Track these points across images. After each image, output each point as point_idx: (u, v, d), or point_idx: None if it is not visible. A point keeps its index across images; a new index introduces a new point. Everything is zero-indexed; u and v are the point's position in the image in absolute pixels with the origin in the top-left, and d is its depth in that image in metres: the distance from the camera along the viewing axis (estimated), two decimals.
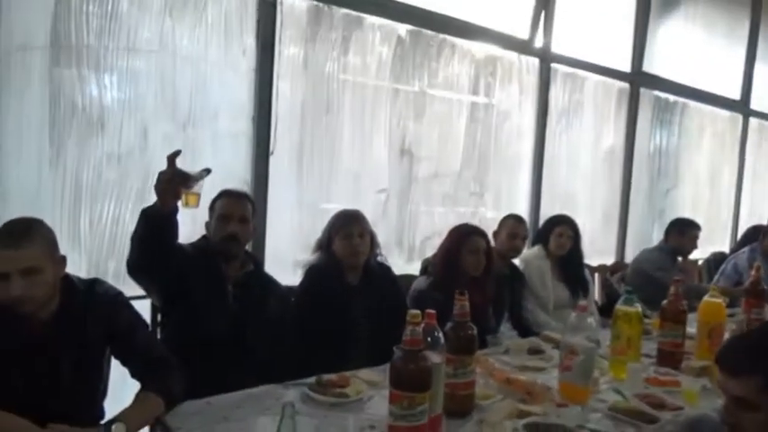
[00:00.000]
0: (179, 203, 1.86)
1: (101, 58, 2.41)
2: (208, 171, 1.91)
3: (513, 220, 3.20)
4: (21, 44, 2.21)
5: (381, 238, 2.79)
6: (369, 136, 3.31)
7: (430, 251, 3.03)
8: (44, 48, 2.27)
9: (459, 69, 3.67)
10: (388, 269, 2.75)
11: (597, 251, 4.48)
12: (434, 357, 1.63)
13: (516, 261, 3.29)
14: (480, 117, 3.83)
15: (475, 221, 3.16)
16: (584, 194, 4.61)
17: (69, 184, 2.36)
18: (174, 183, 1.82)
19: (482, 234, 2.80)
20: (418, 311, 1.53)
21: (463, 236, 2.74)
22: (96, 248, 2.44)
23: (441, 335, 1.71)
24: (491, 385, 2.06)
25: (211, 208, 2.27)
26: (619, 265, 4.50)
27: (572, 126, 4.43)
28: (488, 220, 3.64)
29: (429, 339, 1.65)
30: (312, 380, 1.97)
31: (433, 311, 1.71)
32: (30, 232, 1.68)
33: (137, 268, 2.00)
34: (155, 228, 1.88)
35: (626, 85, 4.77)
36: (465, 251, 2.70)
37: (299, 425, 1.67)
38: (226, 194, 2.29)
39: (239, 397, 1.87)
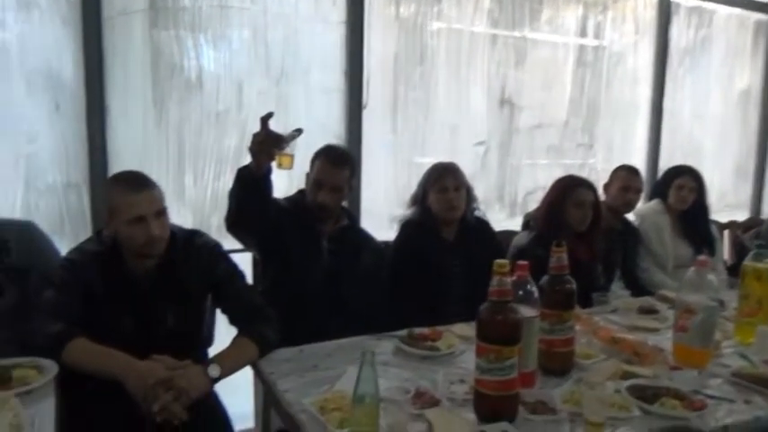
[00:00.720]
0: (273, 164, 1.86)
1: (196, 18, 2.47)
2: (300, 131, 1.89)
3: (625, 172, 2.95)
4: (121, 9, 2.32)
5: (480, 192, 2.68)
6: (465, 86, 3.16)
7: (533, 206, 2.87)
8: (143, 11, 2.37)
9: (565, 10, 3.38)
10: (486, 224, 2.64)
11: (728, 206, 4.05)
12: (526, 311, 1.53)
13: (631, 216, 3.04)
14: (589, 61, 3.53)
15: (583, 174, 2.94)
16: (712, 144, 4.15)
17: (173, 142, 2.48)
18: (268, 144, 1.82)
19: (589, 186, 2.59)
20: (505, 261, 1.43)
21: (568, 188, 2.56)
22: (200, 204, 2.56)
23: (534, 288, 1.60)
24: (594, 344, 1.92)
25: (312, 162, 2.24)
26: (753, 221, 4.03)
27: (697, 67, 3.97)
28: (598, 172, 3.39)
29: (521, 292, 1.56)
30: (404, 332, 1.95)
31: (525, 263, 1.60)
32: (149, 179, 1.81)
33: (234, 225, 2.05)
34: (249, 188, 1.91)
35: (765, 17, 4.19)
36: (570, 204, 2.52)
37: (390, 376, 1.66)
38: (325, 156, 2.22)
39: (330, 347, 1.89)
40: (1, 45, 2.20)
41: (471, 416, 1.43)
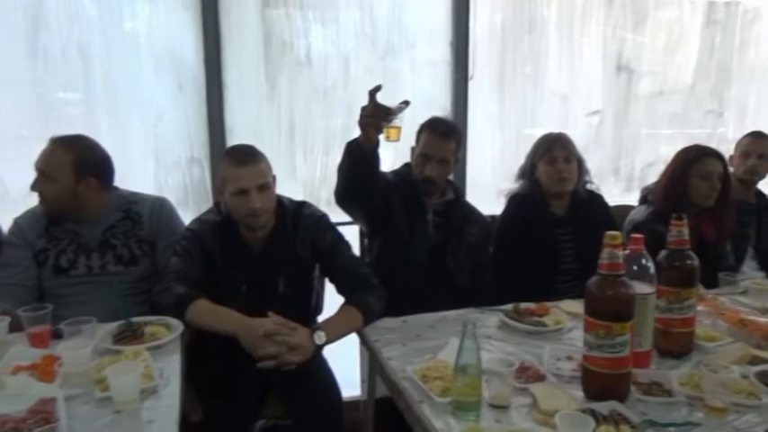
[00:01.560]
0: (381, 137, 1.88)
1: None
2: (407, 103, 1.89)
3: (749, 138, 2.67)
4: None
5: (593, 165, 2.55)
6: (578, 52, 2.99)
7: (651, 180, 2.68)
8: None
9: None
10: (599, 198, 2.51)
11: None
12: (641, 287, 1.45)
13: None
14: (720, 19, 3.20)
15: (711, 145, 2.69)
16: None
17: (284, 117, 2.58)
18: (376, 117, 1.84)
19: (717, 156, 2.36)
20: (618, 232, 1.35)
21: (692, 158, 2.35)
22: (310, 178, 2.65)
23: (651, 264, 1.50)
24: (720, 327, 1.78)
25: (418, 135, 2.24)
26: None
27: None
28: (729, 142, 3.09)
29: (635, 267, 1.47)
30: (509, 307, 1.92)
31: (640, 235, 1.51)
32: (256, 153, 1.90)
33: (343, 198, 2.09)
34: (358, 161, 1.92)
35: None
36: (694, 176, 2.31)
37: (493, 349, 1.65)
38: (431, 129, 2.20)
39: (434, 318, 1.90)
40: (132, 33, 2.39)
41: (578, 393, 1.38)
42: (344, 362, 2.08)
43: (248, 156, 1.88)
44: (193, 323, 1.72)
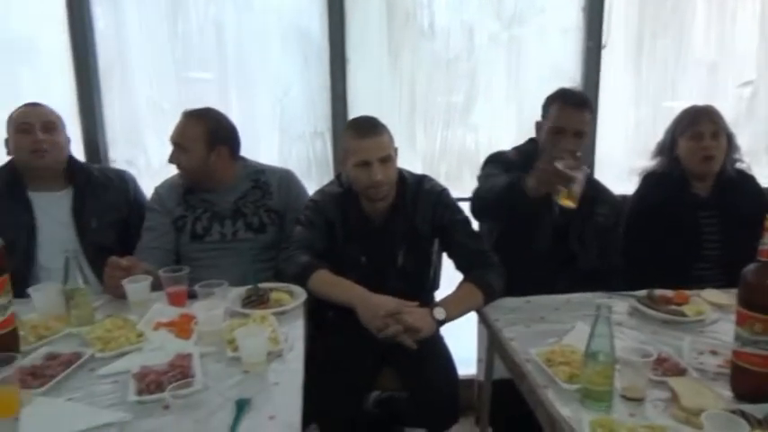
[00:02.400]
0: (556, 198, 1.75)
1: None
2: (587, 170, 1.77)
3: None
4: None
5: (744, 142, 2.28)
6: (731, 17, 2.67)
7: None
8: None
9: None
10: (750, 179, 2.26)
11: None
12: None
13: None
14: None
15: None
16: None
17: (405, 90, 2.54)
18: (556, 182, 1.71)
19: None
20: None
21: None
22: (429, 151, 2.61)
23: None
24: None
25: (546, 109, 2.10)
26: None
27: None
28: None
29: None
30: (642, 293, 1.78)
31: None
32: (379, 125, 1.89)
33: (483, 217, 2.11)
34: (519, 204, 1.80)
35: None
36: None
37: (624, 337, 1.53)
38: (562, 100, 2.05)
39: (559, 301, 1.81)
40: (263, 9, 2.45)
41: (726, 392, 1.25)
42: (460, 340, 2.05)
43: (371, 128, 1.87)
44: (314, 292, 1.76)
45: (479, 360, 2.11)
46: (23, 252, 1.96)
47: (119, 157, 2.49)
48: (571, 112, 2.02)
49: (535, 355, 1.42)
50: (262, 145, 2.46)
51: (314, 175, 2.56)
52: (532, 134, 2.18)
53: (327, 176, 2.57)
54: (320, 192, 2.05)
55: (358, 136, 1.86)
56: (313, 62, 2.48)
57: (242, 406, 1.12)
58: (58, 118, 2.09)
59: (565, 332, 1.57)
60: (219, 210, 2.11)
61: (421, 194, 1.98)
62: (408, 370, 1.82)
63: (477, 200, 2.03)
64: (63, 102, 2.30)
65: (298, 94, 2.52)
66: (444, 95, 2.57)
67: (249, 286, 1.72)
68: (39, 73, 2.38)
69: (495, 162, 2.13)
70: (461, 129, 2.60)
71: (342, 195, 1.99)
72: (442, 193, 2.00)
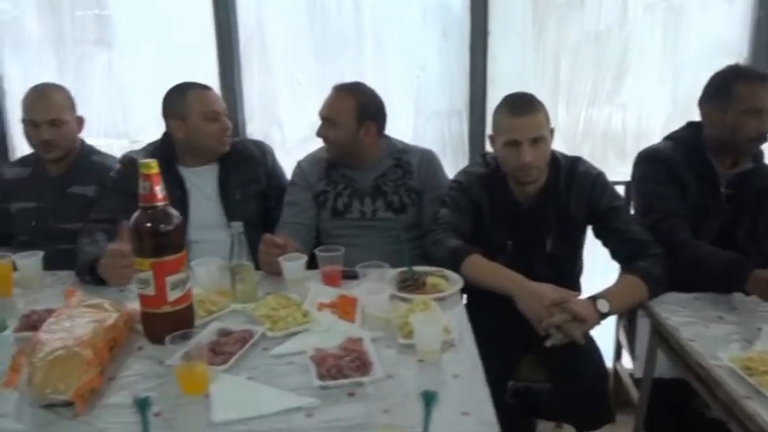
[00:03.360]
0: None
1: None
2: None
3: None
4: None
5: None
6: None
7: None
8: None
9: None
10: None
11: None
12: None
13: None
14: None
15: None
16: None
17: (549, 65, 2.39)
18: None
19: None
20: None
21: None
22: (571, 131, 2.45)
23: None
24: None
25: (723, 92, 1.84)
26: None
27: None
28: None
29: None
30: None
31: None
32: (534, 102, 1.78)
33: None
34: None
35: None
36: None
37: None
38: (746, 77, 1.80)
39: (737, 299, 1.64)
40: None
41: None
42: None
43: (526, 105, 1.76)
44: (468, 277, 1.69)
45: (635, 357, 1.97)
46: None
47: (255, 131, 2.52)
48: (758, 87, 1.79)
49: (728, 360, 1.29)
50: (396, 123, 2.38)
51: (448, 155, 2.47)
52: (690, 116, 1.97)
53: (462, 157, 2.49)
54: (464, 172, 1.97)
55: (510, 113, 1.76)
56: (452, 36, 2.39)
57: (429, 399, 1.07)
58: (63, 110, 2.07)
59: (752, 335, 1.42)
60: (360, 187, 2.09)
61: (575, 177, 1.86)
62: (554, 360, 1.72)
63: (681, 251, 1.75)
64: (206, 76, 2.34)
65: (435, 69, 2.43)
66: (591, 70, 2.39)
67: (402, 269, 1.67)
68: (184, 48, 2.44)
69: (654, 163, 1.91)
70: (608, 107, 2.42)
71: (488, 176, 1.91)
72: (598, 176, 1.86)
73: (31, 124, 2.03)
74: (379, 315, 1.39)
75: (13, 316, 1.46)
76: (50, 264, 1.79)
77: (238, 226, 1.53)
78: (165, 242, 1.28)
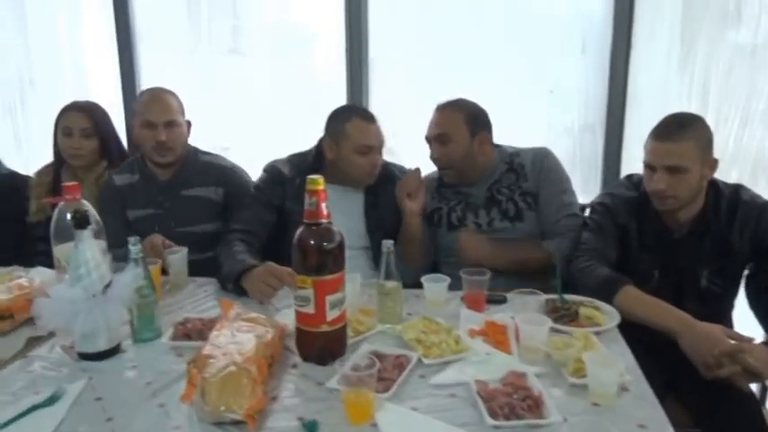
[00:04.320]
0: None
1: None
2: None
3: None
4: None
5: None
6: None
7: None
8: None
9: None
10: None
11: None
12: None
13: None
14: None
15: None
16: None
17: (697, 83, 2.23)
18: None
19: None
20: None
21: None
22: (718, 152, 2.20)
23: None
24: None
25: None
26: None
27: None
28: None
29: None
30: None
31: None
32: (685, 129, 1.63)
33: None
34: None
35: None
36: None
37: None
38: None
39: None
40: None
41: None
42: None
43: (673, 130, 1.63)
44: (621, 309, 1.57)
45: None
46: None
47: None
48: None
49: None
50: (523, 138, 2.30)
51: (579, 174, 2.36)
52: None
53: (594, 177, 2.37)
54: (609, 194, 1.86)
55: (655, 134, 1.66)
56: (591, 50, 2.27)
57: None
58: (177, 112, 2.05)
59: None
60: (474, 200, 2.02)
61: (738, 206, 1.70)
62: (701, 403, 1.58)
63: None
64: (335, 91, 2.34)
65: (569, 84, 2.33)
66: (745, 88, 2.21)
67: (551, 297, 1.58)
68: (314, 61, 2.45)
69: None
70: (761, 129, 2.22)
71: (635, 200, 1.79)
72: (766, 205, 1.70)
73: (147, 125, 2.00)
74: (538, 348, 1.30)
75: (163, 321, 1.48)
76: None
77: (389, 244, 1.49)
78: (327, 260, 1.26)
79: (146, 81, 2.65)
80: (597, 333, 1.43)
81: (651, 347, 1.48)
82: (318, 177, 1.25)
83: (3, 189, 2.28)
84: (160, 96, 2.05)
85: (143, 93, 2.11)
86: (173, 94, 2.08)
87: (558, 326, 1.45)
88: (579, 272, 1.71)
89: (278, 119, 2.53)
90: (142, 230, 2.07)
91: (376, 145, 1.96)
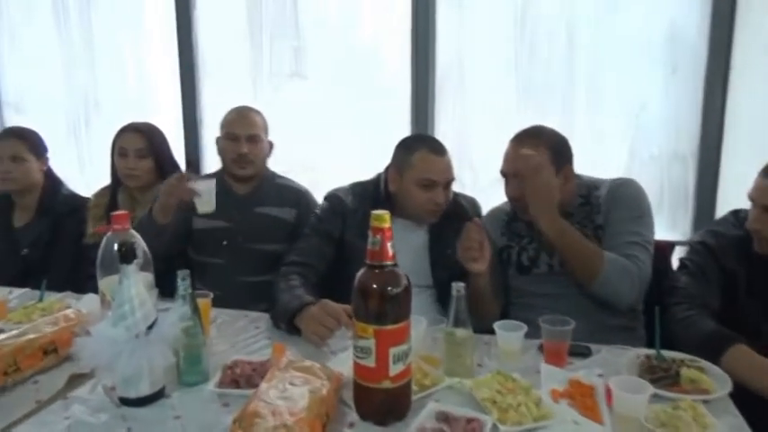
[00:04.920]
0: None
1: None
2: None
3: None
4: None
5: None
6: None
7: None
8: None
9: None
10: None
11: None
12: None
13: None
14: None
15: None
16: None
17: None
18: None
19: None
20: None
21: None
22: None
23: None
24: None
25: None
26: None
27: None
28: None
29: None
30: None
31: None
32: None
33: None
34: None
35: None
36: None
37: None
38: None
39: None
40: (627, 7, 2.09)
41: None
42: None
43: None
44: (731, 371, 1.34)
45: None
46: None
47: None
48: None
49: None
50: (606, 166, 2.10)
51: (666, 207, 2.13)
52: None
53: (683, 209, 2.14)
54: (712, 233, 1.64)
55: (763, 171, 1.48)
56: (683, 71, 2.06)
57: None
58: (261, 129, 2.07)
59: None
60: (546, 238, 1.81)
61: None
62: None
63: None
64: (398, 113, 2.22)
65: (658, 108, 2.11)
66: None
67: (648, 352, 1.37)
68: (380, 80, 2.35)
69: None
70: None
71: (743, 240, 1.57)
72: None
73: (230, 137, 2.03)
74: (637, 420, 1.10)
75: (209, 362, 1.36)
76: (241, 296, 1.77)
77: (460, 287, 1.32)
78: (391, 307, 1.11)
79: (207, 103, 2.61)
80: (705, 402, 1.21)
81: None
82: (384, 214, 1.11)
83: (63, 210, 2.26)
84: (246, 112, 2.08)
85: (230, 110, 2.11)
86: (258, 112, 2.10)
87: (658, 390, 1.24)
88: (679, 323, 1.50)
89: (340, 144, 2.43)
90: (208, 242, 2.07)
91: (440, 181, 1.78)
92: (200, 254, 2.08)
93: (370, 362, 1.11)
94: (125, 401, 1.22)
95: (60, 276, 2.03)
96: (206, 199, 1.78)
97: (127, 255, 1.19)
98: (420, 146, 1.81)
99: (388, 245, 1.11)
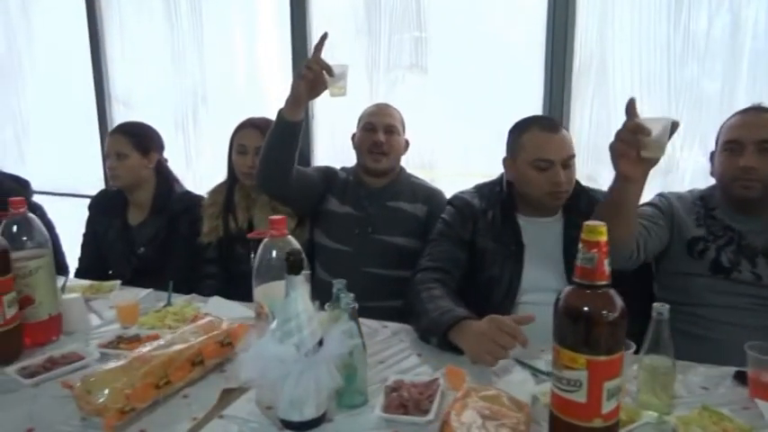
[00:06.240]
0: None
1: None
2: None
3: None
4: None
5: None
6: None
7: None
8: None
9: None
10: None
11: None
12: None
13: None
14: None
15: None
16: None
17: None
18: None
19: None
20: None
21: None
22: None
23: None
24: None
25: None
26: None
27: None
28: None
29: None
30: None
31: None
32: None
33: None
34: None
35: None
36: None
37: None
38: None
39: None
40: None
41: None
42: None
43: None
44: None
45: None
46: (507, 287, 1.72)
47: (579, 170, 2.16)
48: None
49: None
50: None
51: None
52: None
53: None
54: None
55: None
56: None
57: None
58: (398, 122, 2.05)
59: None
60: (750, 242, 1.60)
61: None
62: None
63: None
64: (531, 104, 2.05)
65: None
66: None
67: None
68: (512, 72, 2.18)
69: None
70: None
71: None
72: None
73: (367, 127, 2.02)
74: None
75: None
76: (364, 287, 1.61)
77: (664, 309, 1.14)
78: (605, 335, 0.95)
79: (320, 98, 2.52)
80: None
81: None
82: (600, 225, 0.95)
83: (177, 209, 2.21)
84: (384, 105, 2.09)
85: (370, 105, 2.11)
86: (396, 109, 2.09)
87: None
88: None
89: (460, 142, 2.28)
90: (339, 227, 2.05)
91: (556, 159, 1.62)
92: (330, 238, 2.06)
93: (581, 397, 0.96)
94: (287, 424, 1.11)
95: (175, 275, 1.99)
96: (339, 82, 1.72)
97: (295, 265, 1.08)
98: (530, 125, 1.68)
99: (605, 263, 0.95)
